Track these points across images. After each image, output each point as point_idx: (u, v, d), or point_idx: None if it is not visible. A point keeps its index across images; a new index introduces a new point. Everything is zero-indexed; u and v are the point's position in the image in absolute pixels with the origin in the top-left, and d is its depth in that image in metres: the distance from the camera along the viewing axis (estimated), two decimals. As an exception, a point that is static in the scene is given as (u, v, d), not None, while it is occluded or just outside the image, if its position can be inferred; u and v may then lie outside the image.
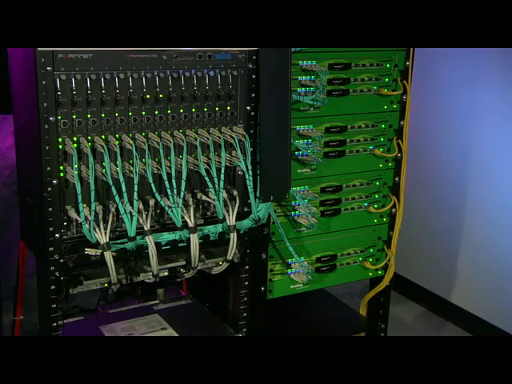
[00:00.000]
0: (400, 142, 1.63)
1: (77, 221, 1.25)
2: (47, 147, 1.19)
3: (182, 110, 1.33)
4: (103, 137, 1.25)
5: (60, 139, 1.21)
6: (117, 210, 1.25)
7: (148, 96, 1.28)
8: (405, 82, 1.59)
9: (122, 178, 1.23)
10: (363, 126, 1.59)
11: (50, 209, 1.22)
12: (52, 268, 1.25)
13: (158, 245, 1.28)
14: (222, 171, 1.34)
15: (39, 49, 1.14)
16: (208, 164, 1.33)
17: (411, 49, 1.58)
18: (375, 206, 1.66)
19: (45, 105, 1.17)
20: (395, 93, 1.59)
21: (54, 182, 1.22)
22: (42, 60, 1.15)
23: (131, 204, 1.25)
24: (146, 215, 1.26)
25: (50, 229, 1.23)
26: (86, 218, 1.21)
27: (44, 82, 1.16)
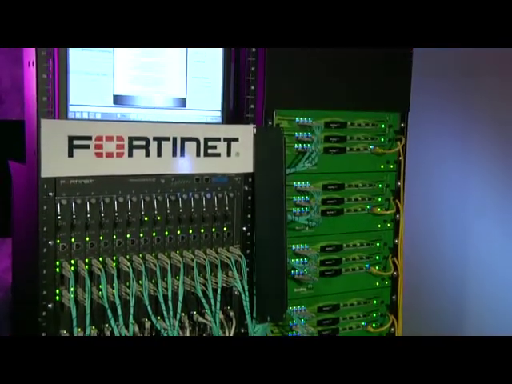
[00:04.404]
0: (398, 201, 1.64)
1: (70, 345, 1.22)
2: (44, 271, 1.20)
3: (179, 232, 1.35)
4: (101, 259, 1.26)
5: (58, 262, 1.22)
6: (112, 333, 1.23)
7: (146, 218, 1.31)
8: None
9: (118, 301, 1.22)
10: (360, 184, 1.60)
11: (43, 334, 1.20)
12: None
13: (152, 370, 1.24)
14: (219, 292, 1.33)
15: (42, 176, 1.18)
16: (204, 285, 1.33)
17: (406, 112, 1.62)
18: (377, 267, 1.64)
19: (44, 229, 1.19)
20: (391, 151, 1.61)
21: (50, 306, 1.21)
22: (45, 186, 1.19)
23: (126, 327, 1.23)
24: (142, 339, 1.24)
25: (43, 354, 1.20)
26: (80, 343, 1.19)
27: (45, 207, 1.19)
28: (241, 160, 1.39)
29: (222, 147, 1.36)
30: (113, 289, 1.23)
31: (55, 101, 1.21)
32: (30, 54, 1.20)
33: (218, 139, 1.36)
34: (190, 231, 1.36)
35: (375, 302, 1.65)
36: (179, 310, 1.28)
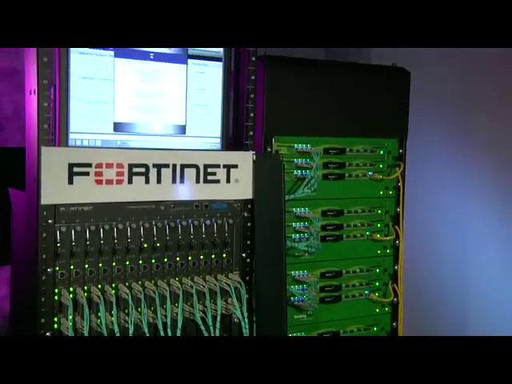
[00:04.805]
0: (397, 227, 1.63)
1: (68, 374, 1.21)
2: (43, 299, 1.19)
3: (178, 259, 1.34)
4: (99, 286, 1.26)
5: (56, 290, 1.21)
6: (110, 362, 1.22)
7: (146, 245, 1.30)
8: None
9: (116, 329, 1.22)
10: (359, 210, 1.60)
11: (41, 362, 1.19)
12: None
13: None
14: (218, 319, 1.33)
15: (42, 203, 1.18)
16: (204, 312, 1.32)
17: (404, 138, 1.63)
18: (376, 293, 1.63)
19: (44, 256, 1.19)
20: (390, 177, 1.61)
21: (48, 334, 1.20)
22: (45, 213, 1.19)
23: (125, 355, 1.22)
24: (140, 367, 1.23)
25: None
26: (78, 372, 1.17)
27: (45, 235, 1.19)
28: (240, 186, 1.39)
29: (221, 174, 1.37)
30: (112, 316, 1.22)
31: (56, 128, 1.22)
32: (32, 82, 1.21)
33: (218, 166, 1.36)
34: (190, 258, 1.36)
35: (375, 328, 1.64)
36: (178, 337, 1.27)
